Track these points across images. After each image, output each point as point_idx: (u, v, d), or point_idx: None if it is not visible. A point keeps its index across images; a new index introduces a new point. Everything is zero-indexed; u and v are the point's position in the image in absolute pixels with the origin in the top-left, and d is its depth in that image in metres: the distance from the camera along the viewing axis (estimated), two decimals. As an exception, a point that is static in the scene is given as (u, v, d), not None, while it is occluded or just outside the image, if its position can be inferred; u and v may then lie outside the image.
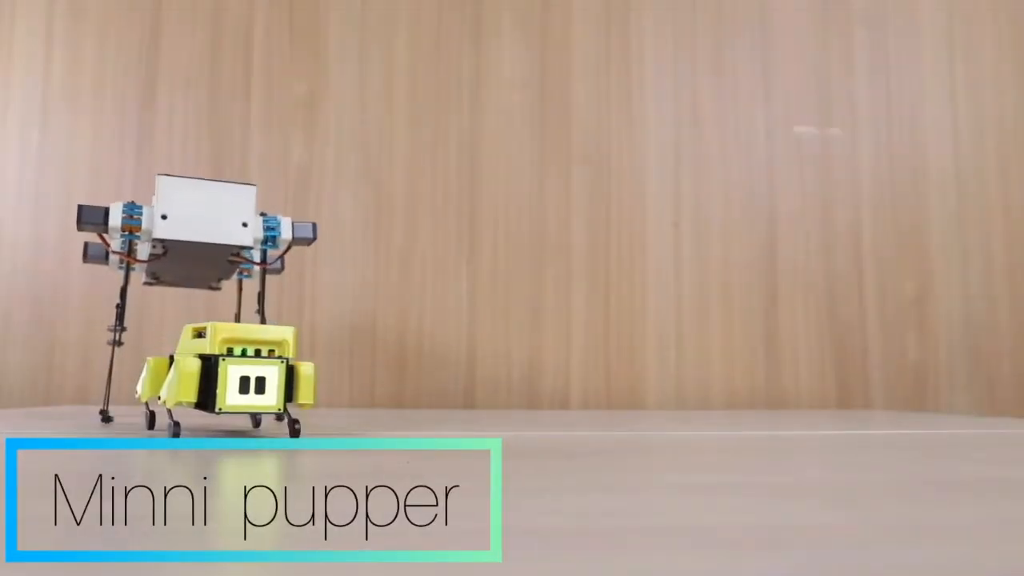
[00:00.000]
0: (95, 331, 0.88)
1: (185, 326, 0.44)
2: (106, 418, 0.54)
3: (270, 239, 0.51)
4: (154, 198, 0.48)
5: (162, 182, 0.48)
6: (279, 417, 0.60)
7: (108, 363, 0.55)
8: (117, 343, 0.52)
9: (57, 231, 0.89)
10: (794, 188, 1.02)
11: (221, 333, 0.40)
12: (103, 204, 0.49)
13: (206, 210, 0.48)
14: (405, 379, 0.91)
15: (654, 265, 0.98)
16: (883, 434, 0.55)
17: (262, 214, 0.52)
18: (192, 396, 0.39)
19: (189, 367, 0.39)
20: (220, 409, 0.39)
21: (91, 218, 0.48)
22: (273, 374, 0.41)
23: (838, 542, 0.19)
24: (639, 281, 0.97)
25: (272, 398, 0.41)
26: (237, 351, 0.40)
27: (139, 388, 0.46)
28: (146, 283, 0.56)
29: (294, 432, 0.43)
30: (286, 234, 0.52)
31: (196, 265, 0.52)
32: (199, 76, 0.93)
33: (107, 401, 0.54)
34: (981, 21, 1.08)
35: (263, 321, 0.50)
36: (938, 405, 1.01)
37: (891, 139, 1.05)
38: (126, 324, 0.53)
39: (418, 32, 0.97)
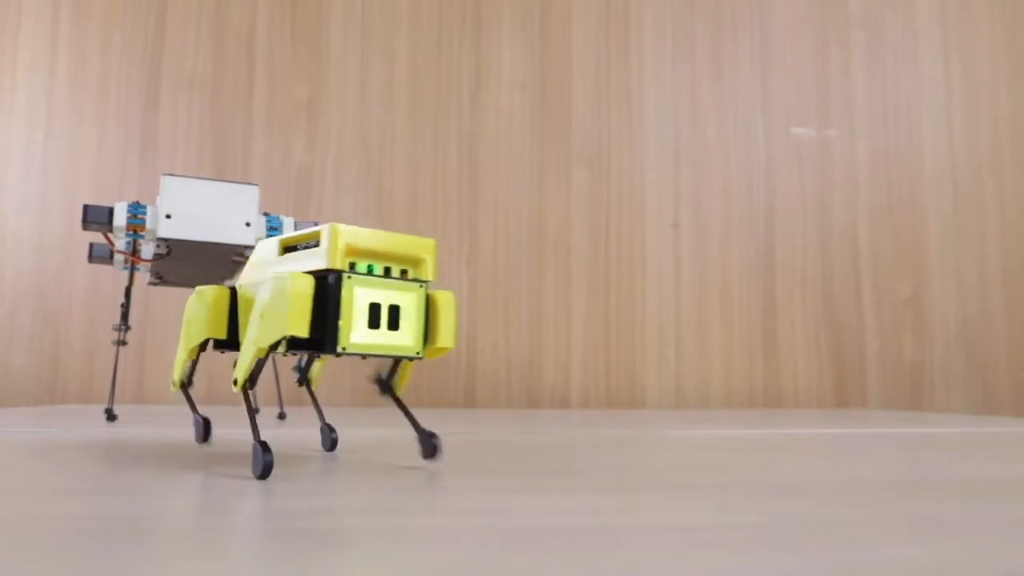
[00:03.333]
0: (99, 331, 0.89)
1: (259, 242, 0.33)
2: (111, 417, 0.54)
3: (273, 239, 0.52)
4: (158, 198, 0.49)
5: (166, 182, 0.49)
6: (282, 416, 0.61)
7: (113, 362, 0.55)
8: (121, 343, 0.53)
9: (61, 231, 0.90)
10: (792, 189, 1.02)
11: (345, 238, 0.28)
12: (107, 204, 0.49)
13: (210, 210, 0.49)
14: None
15: (654, 265, 0.98)
16: (880, 433, 0.55)
17: (265, 214, 0.53)
18: (305, 328, 0.27)
19: (302, 286, 0.27)
20: (344, 348, 0.28)
21: (96, 217, 0.49)
22: (411, 303, 0.29)
23: (836, 541, 0.19)
24: (639, 281, 0.97)
25: (407, 336, 0.29)
26: (361, 268, 0.29)
27: (179, 352, 0.34)
28: (150, 283, 0.56)
29: (431, 450, 0.32)
30: (288, 233, 0.53)
31: (200, 264, 0.53)
32: (202, 78, 0.94)
33: (112, 400, 0.55)
34: (976, 24, 1.09)
35: None
36: (934, 404, 1.01)
37: (888, 141, 1.05)
38: (130, 324, 0.54)
39: (418, 33, 0.97)
